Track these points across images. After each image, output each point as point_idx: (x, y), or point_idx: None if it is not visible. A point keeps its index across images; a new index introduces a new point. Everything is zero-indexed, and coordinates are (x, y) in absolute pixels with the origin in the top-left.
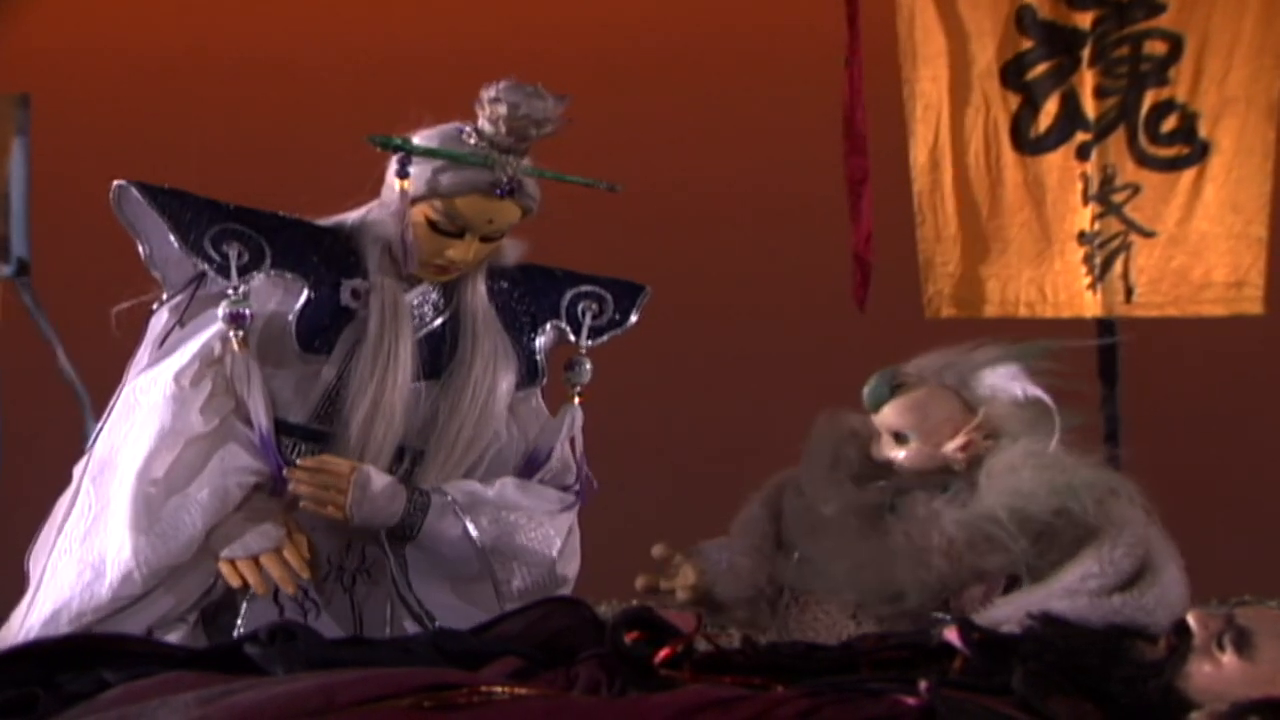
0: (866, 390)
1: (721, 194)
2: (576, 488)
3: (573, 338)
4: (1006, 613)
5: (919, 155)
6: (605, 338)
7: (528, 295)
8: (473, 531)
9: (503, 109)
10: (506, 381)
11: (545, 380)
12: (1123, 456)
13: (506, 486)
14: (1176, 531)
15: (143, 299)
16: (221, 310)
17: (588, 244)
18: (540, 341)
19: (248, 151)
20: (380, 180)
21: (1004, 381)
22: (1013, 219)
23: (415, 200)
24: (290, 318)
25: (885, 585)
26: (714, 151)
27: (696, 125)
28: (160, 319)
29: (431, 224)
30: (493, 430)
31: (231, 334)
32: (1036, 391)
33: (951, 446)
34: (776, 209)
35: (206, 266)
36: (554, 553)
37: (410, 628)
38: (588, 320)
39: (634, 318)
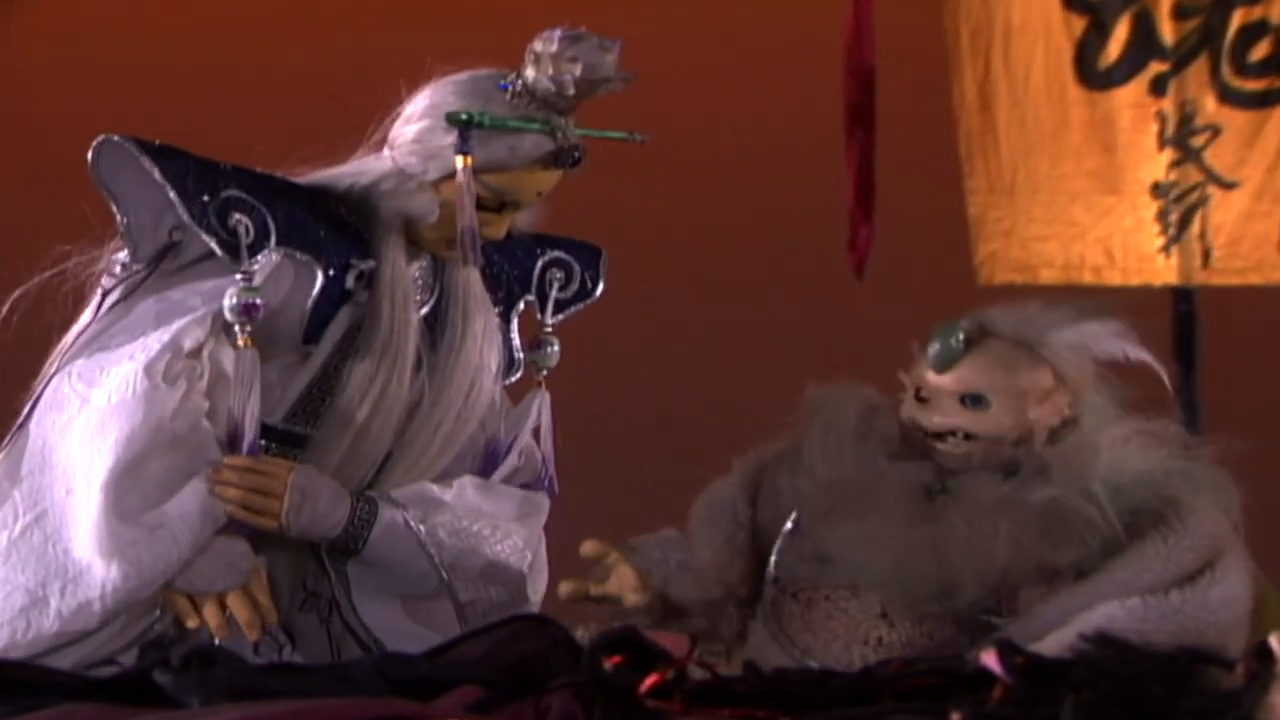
0: (934, 345)
1: (710, 137)
2: (545, 487)
3: (539, 314)
4: (1050, 616)
5: (966, 92)
6: (571, 311)
7: (507, 265)
8: (429, 546)
9: (576, 67)
10: (494, 366)
11: (520, 372)
12: (1204, 442)
13: (465, 489)
14: (1262, 535)
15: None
16: (231, 299)
17: (553, 198)
18: (516, 321)
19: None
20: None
21: (1097, 341)
22: (1078, 166)
23: (449, 176)
24: (305, 308)
25: (936, 579)
26: (700, 84)
27: (678, 53)
28: (114, 297)
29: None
30: (473, 426)
31: (238, 328)
32: (1143, 355)
33: (1043, 414)
34: (776, 158)
35: (214, 244)
36: (524, 567)
37: None
38: (554, 292)
39: (600, 288)
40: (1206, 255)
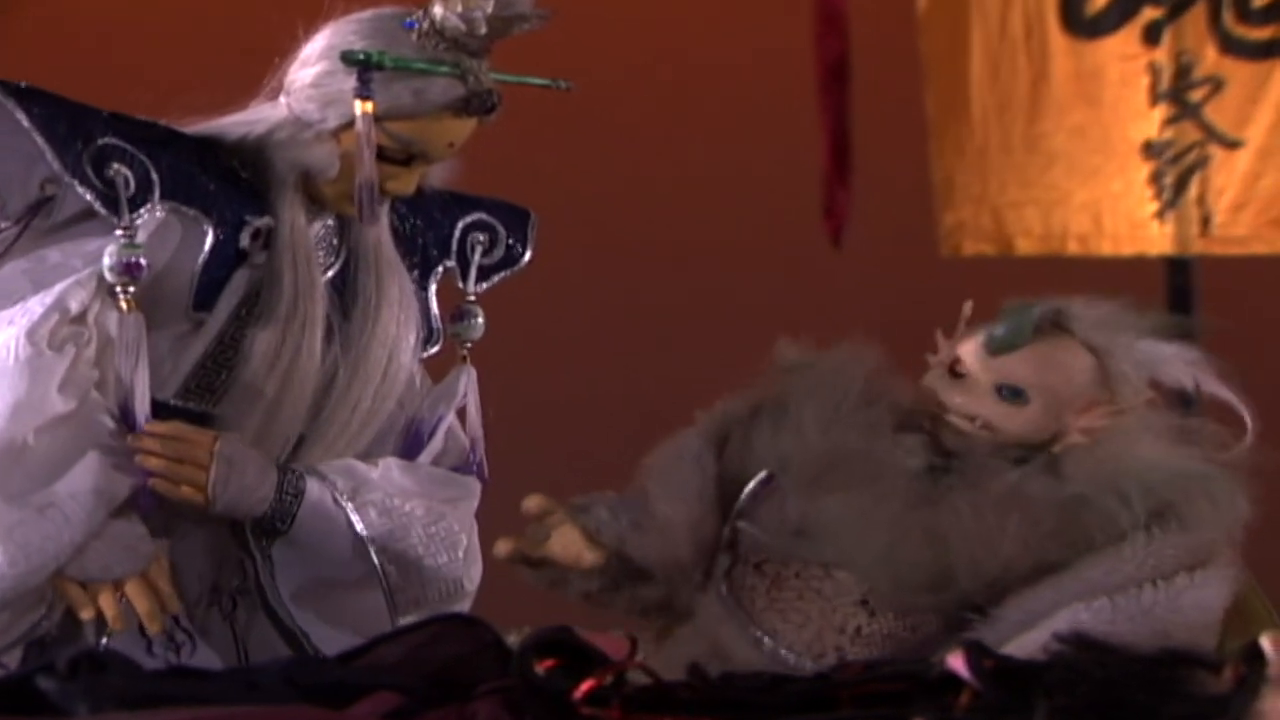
0: (1001, 325)
1: (664, 87)
2: (473, 473)
3: (460, 282)
4: (1015, 617)
5: (935, 41)
6: (496, 279)
7: (424, 227)
8: (358, 524)
9: (488, 3)
10: (413, 337)
11: (440, 344)
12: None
13: (391, 469)
14: (1262, 531)
15: None
16: (110, 258)
17: (492, 152)
18: (434, 289)
19: None
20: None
21: (1168, 366)
22: (1060, 124)
23: (350, 124)
24: (194, 269)
25: (931, 569)
26: (651, 27)
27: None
28: None
29: (378, 150)
30: (393, 403)
31: (120, 290)
32: (1217, 388)
33: (1080, 423)
34: (739, 112)
35: (90, 196)
36: (459, 553)
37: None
38: (477, 258)
39: (528, 254)
40: (1206, 222)
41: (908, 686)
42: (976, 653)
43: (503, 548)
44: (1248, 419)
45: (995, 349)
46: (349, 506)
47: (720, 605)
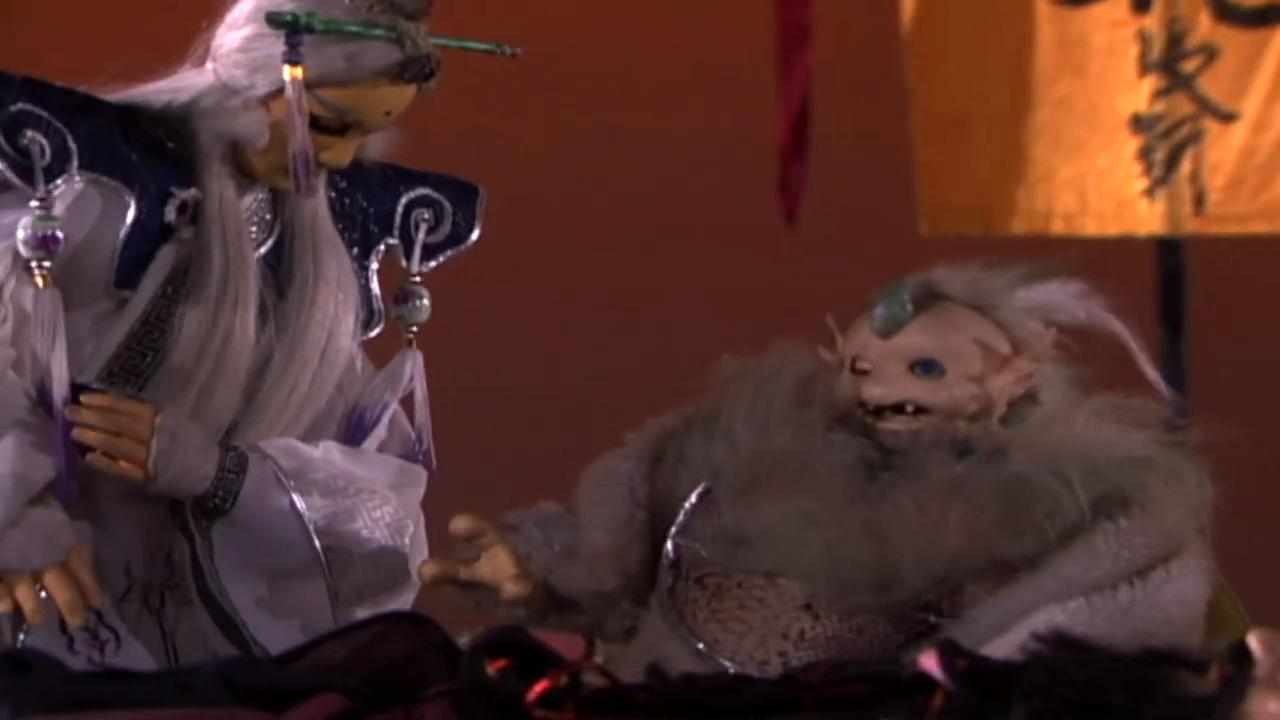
0: (879, 308)
1: (616, 56)
2: (420, 461)
3: (404, 260)
4: (990, 618)
5: (912, 7)
6: (442, 259)
7: (364, 202)
8: (301, 506)
9: None
10: (352, 318)
11: (382, 326)
12: (1191, 425)
13: (333, 451)
14: (1255, 526)
15: None
16: (25, 231)
17: (434, 123)
18: (375, 268)
19: None
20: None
21: (1056, 301)
22: (1044, 95)
23: (280, 91)
24: (116, 243)
25: (874, 567)
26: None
27: None
28: None
29: (311, 119)
30: (332, 387)
31: (35, 264)
32: (1108, 320)
33: (1002, 383)
34: (694, 82)
35: (3, 165)
36: (406, 539)
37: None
38: (421, 235)
39: (476, 233)
40: (1199, 200)
41: (876, 688)
42: (950, 652)
43: (427, 571)
44: (1138, 351)
45: (885, 330)
46: (292, 486)
47: (663, 622)
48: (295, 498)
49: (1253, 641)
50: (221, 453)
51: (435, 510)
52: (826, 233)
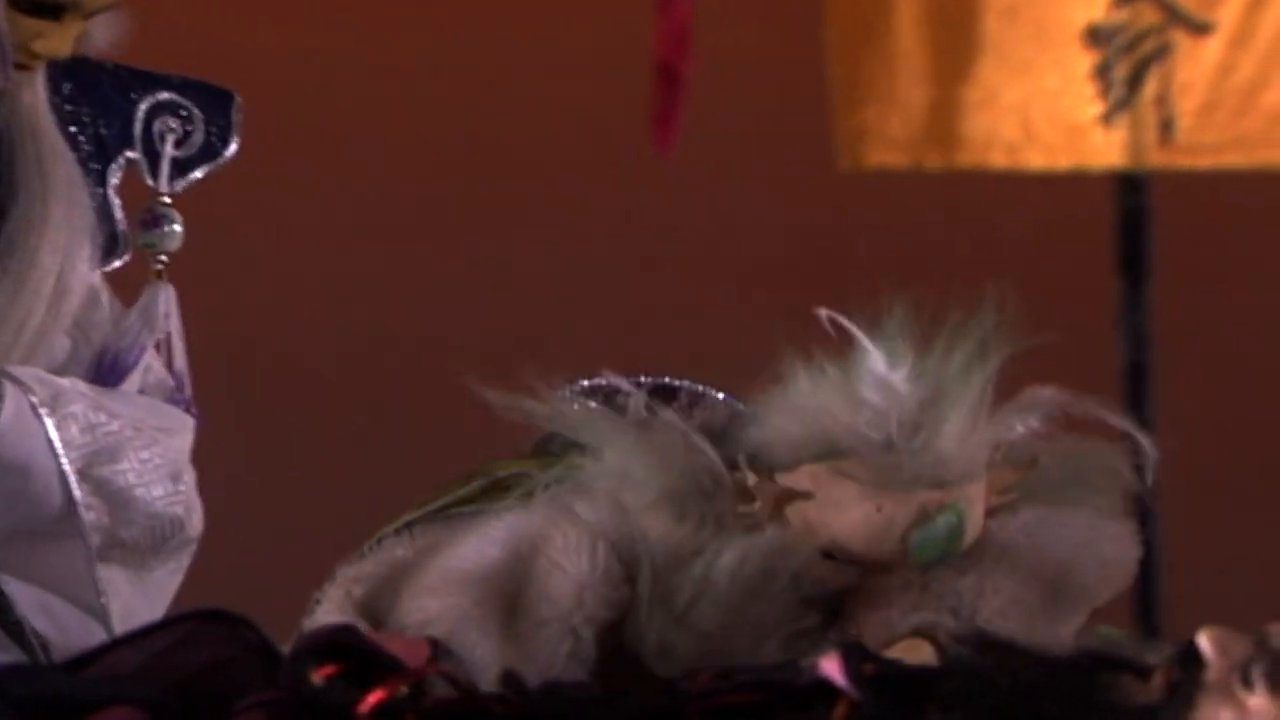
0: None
1: None
2: (184, 407)
3: (149, 178)
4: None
5: None
6: (194, 176)
7: (94, 107)
8: (56, 440)
9: None
10: (89, 242)
11: (129, 254)
12: (1156, 396)
13: (80, 386)
14: (1230, 505)
15: None
16: None
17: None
18: (115, 184)
19: None
20: None
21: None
22: (987, 4)
23: None
24: None
25: None
26: None
27: None
28: None
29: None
30: (69, 322)
31: None
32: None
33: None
34: None
35: None
36: (179, 485)
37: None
38: (169, 148)
39: (233, 145)
40: (1167, 127)
41: (769, 697)
42: (855, 656)
43: None
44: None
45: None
46: (45, 414)
47: None
48: (52, 432)
49: (1203, 641)
50: None
51: (202, 469)
52: (711, 169)
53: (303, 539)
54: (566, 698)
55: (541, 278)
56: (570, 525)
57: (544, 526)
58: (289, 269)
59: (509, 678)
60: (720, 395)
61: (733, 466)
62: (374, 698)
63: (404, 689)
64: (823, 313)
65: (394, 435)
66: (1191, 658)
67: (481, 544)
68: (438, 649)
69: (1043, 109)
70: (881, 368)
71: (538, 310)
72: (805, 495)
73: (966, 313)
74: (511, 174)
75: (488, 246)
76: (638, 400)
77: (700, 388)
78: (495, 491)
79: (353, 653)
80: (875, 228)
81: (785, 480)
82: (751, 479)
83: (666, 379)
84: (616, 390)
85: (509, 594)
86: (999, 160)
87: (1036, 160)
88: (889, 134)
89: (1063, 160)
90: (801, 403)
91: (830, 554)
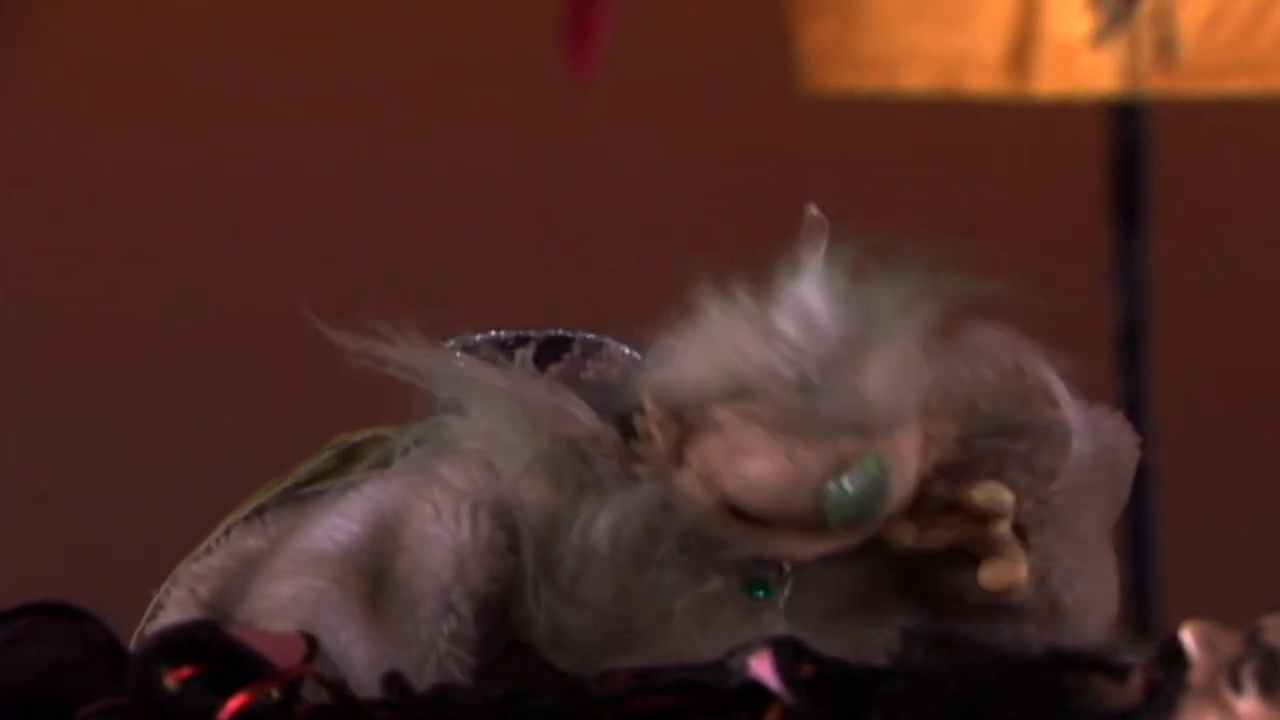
0: (844, 492)
1: None
2: None
3: None
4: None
5: None
6: None
7: None
8: None
9: None
10: None
11: None
12: (1153, 358)
13: None
14: (1222, 490)
15: None
16: None
17: None
18: None
19: None
20: None
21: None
22: None
23: None
24: None
25: None
26: None
27: None
28: None
29: None
30: None
31: None
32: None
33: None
34: None
35: None
36: None
37: None
38: None
39: None
40: (1166, 47)
41: (692, 701)
42: (788, 655)
43: None
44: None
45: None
46: None
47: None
48: None
49: (1187, 637)
50: None
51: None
52: (640, 99)
53: (140, 528)
54: (459, 703)
55: (440, 223)
56: (440, 490)
57: (408, 495)
58: (128, 218)
59: (392, 679)
60: (625, 347)
61: (638, 410)
62: (236, 703)
63: (273, 693)
64: (812, 209)
65: (252, 405)
66: (1174, 656)
67: (336, 518)
68: (314, 647)
69: (1025, 26)
70: (803, 297)
71: (437, 263)
72: (708, 437)
73: (920, 248)
74: (399, 100)
75: (370, 191)
76: (524, 354)
77: (598, 338)
78: (350, 463)
79: (213, 652)
80: (832, 163)
81: (689, 420)
82: (654, 414)
83: (560, 330)
84: (513, 343)
85: (373, 572)
86: (975, 83)
87: (1018, 85)
88: (854, 53)
89: (1047, 84)
90: (710, 336)
91: (736, 509)
